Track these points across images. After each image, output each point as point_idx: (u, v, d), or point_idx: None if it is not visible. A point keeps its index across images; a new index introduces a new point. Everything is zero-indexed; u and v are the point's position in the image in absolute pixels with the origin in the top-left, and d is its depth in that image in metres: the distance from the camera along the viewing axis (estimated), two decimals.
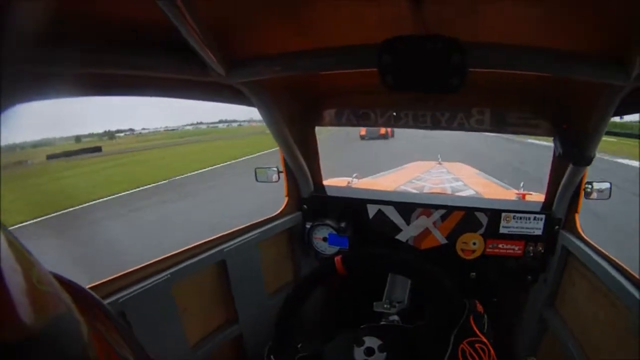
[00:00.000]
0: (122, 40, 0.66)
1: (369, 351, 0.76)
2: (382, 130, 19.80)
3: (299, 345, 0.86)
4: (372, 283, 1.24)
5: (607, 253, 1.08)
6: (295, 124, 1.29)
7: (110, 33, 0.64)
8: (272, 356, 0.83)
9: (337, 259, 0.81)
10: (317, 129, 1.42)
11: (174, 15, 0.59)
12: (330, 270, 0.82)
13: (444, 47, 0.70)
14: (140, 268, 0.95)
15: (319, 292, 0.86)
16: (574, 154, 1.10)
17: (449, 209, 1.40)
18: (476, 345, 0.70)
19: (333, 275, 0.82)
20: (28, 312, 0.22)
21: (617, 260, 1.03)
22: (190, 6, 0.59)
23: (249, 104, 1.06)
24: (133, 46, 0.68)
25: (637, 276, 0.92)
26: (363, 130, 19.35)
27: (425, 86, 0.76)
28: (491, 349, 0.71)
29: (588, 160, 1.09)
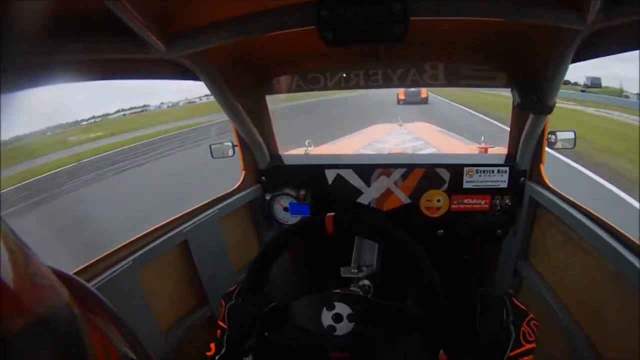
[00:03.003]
0: (58, 25, 0.64)
1: (338, 317, 0.70)
2: (424, 93, 16.94)
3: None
4: (337, 248, 1.14)
5: (575, 201, 1.06)
6: (245, 95, 1.24)
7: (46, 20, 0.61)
8: (240, 299, 0.76)
9: (329, 216, 0.75)
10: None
11: None
12: (318, 225, 0.76)
13: None
14: (103, 257, 0.93)
15: (284, 256, 0.78)
16: (533, 103, 1.06)
17: (409, 168, 1.36)
18: (531, 322, 0.67)
19: (318, 231, 0.76)
20: (24, 305, 0.22)
21: (586, 208, 1.01)
22: None
23: (194, 78, 1.03)
24: (71, 31, 0.65)
25: (607, 222, 0.91)
26: (401, 94, 16.64)
27: (367, 37, 0.72)
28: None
29: (549, 109, 1.05)
